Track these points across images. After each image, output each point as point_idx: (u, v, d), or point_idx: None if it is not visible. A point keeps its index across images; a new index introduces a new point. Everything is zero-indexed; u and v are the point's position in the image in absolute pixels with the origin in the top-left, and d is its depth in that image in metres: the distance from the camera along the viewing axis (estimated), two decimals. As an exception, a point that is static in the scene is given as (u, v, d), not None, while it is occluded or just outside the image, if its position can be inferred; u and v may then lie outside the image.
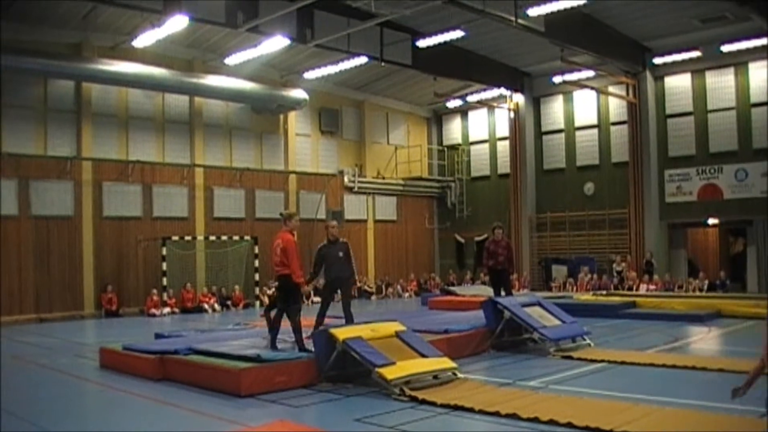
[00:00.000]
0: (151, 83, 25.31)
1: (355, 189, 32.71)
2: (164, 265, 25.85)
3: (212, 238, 27.45)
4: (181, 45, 26.26)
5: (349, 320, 12.94)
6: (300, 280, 11.61)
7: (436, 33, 24.05)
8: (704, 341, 15.73)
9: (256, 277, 27.82)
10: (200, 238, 27.35)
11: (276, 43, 22.68)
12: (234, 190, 28.70)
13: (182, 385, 11.05)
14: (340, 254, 13.20)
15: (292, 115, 30.71)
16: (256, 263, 27.74)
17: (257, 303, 27.09)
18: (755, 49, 25.63)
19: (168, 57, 26.02)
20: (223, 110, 28.74)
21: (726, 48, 25.99)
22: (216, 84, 26.59)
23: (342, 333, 10.84)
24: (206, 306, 25.79)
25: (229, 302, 26.63)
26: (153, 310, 24.79)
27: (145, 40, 22.35)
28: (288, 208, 28.57)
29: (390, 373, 10.04)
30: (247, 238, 28.08)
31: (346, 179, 32.39)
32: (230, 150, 28.98)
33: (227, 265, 27.50)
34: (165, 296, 25.59)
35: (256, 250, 27.72)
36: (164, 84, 25.61)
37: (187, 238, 26.96)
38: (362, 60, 25.62)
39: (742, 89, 26.85)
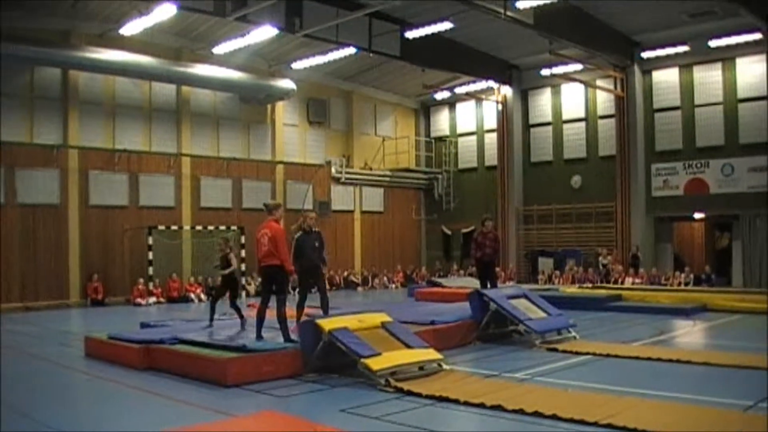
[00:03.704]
0: (139, 72, 25.20)
1: (343, 180, 32.70)
2: (150, 255, 25.80)
3: (199, 227, 27.42)
4: (169, 33, 26.13)
5: (326, 310, 12.92)
6: (291, 268, 11.63)
7: (424, 24, 24.04)
8: (689, 335, 15.81)
9: (243, 267, 27.75)
10: (187, 227, 27.32)
11: (264, 32, 22.63)
12: (221, 179, 28.65)
13: (168, 375, 11.03)
14: (316, 244, 13.17)
15: (280, 105, 30.68)
16: (243, 253, 27.68)
17: (243, 293, 27.03)
18: (743, 44, 25.81)
19: (156, 45, 25.83)
20: (210, 99, 28.67)
21: (714, 43, 26.10)
22: (204, 73, 26.49)
23: (328, 324, 10.84)
24: (192, 296, 25.79)
25: (214, 292, 26.53)
26: (139, 300, 24.75)
27: (132, 28, 22.25)
28: (275, 198, 28.52)
29: (375, 363, 10.05)
30: (233, 228, 28.01)
31: (333, 170, 32.37)
32: (217, 139, 28.92)
33: (213, 255, 27.32)
34: (151, 286, 25.55)
35: (243, 240, 27.66)
36: (152, 72, 25.51)
37: (174, 227, 26.92)
38: (351, 50, 25.57)
39: (730, 84, 26.96)
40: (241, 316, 14.10)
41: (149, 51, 25.31)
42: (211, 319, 13.58)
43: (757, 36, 25.04)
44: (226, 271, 14.43)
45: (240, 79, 27.69)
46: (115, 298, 25.24)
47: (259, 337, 11.63)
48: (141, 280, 25.31)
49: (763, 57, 26.17)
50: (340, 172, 32.58)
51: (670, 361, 11.61)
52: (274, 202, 12.70)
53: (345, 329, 10.74)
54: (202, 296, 25.96)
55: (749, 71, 26.57)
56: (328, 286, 16.75)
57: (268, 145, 30.58)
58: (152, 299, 25.15)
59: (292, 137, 31.51)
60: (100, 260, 25.26)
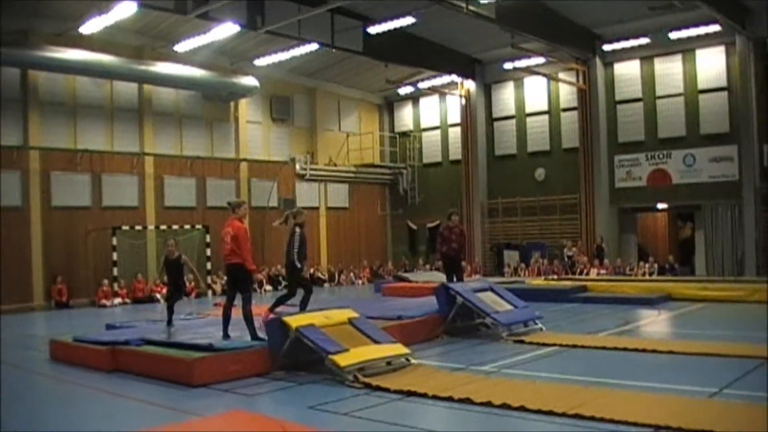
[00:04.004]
0: (100, 71, 25.00)
1: (307, 176, 32.63)
2: (115, 255, 25.60)
3: (163, 227, 27.20)
4: (129, 32, 25.88)
5: (304, 307, 12.97)
6: (253, 267, 11.61)
7: (387, 20, 24.04)
8: (654, 324, 15.97)
9: (208, 266, 27.64)
10: (151, 227, 27.12)
11: (226, 29, 22.54)
12: (185, 178, 28.49)
13: (134, 376, 10.94)
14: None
15: (243, 103, 30.55)
16: (208, 252, 27.58)
17: (209, 292, 26.90)
18: (703, 36, 26.12)
19: (117, 44, 25.61)
20: (173, 98, 28.48)
21: (674, 35, 26.36)
22: (166, 71, 26.35)
23: (295, 321, 10.81)
24: (158, 296, 25.55)
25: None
26: (104, 301, 24.54)
27: (92, 26, 22.01)
28: (239, 196, 28.43)
29: (343, 360, 10.04)
30: (198, 227, 27.89)
31: (297, 167, 32.30)
32: (180, 138, 28.74)
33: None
34: (116, 287, 25.35)
35: (208, 239, 27.56)
36: (113, 71, 25.32)
37: (138, 227, 26.72)
38: (313, 47, 25.48)
39: (690, 76, 27.25)
40: (170, 321, 13.81)
41: (110, 49, 25.10)
42: (170, 321, 13.44)
43: (716, 28, 25.33)
44: (192, 276, 14.15)
45: (202, 77, 27.56)
46: (80, 299, 24.99)
47: (225, 336, 11.57)
48: (106, 282, 25.09)
49: (722, 48, 26.51)
50: (305, 169, 32.51)
51: (636, 350, 11.71)
52: (237, 200, 12.69)
53: (312, 326, 10.72)
54: (168, 296, 25.77)
55: (709, 63, 26.86)
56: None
57: (231, 142, 30.44)
58: (117, 300, 24.96)
59: (255, 134, 31.40)
60: (63, 262, 24.99)
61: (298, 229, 13.10)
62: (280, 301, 13.22)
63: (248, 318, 11.40)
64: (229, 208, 12.01)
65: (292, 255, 12.97)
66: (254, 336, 11.29)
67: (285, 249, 13.30)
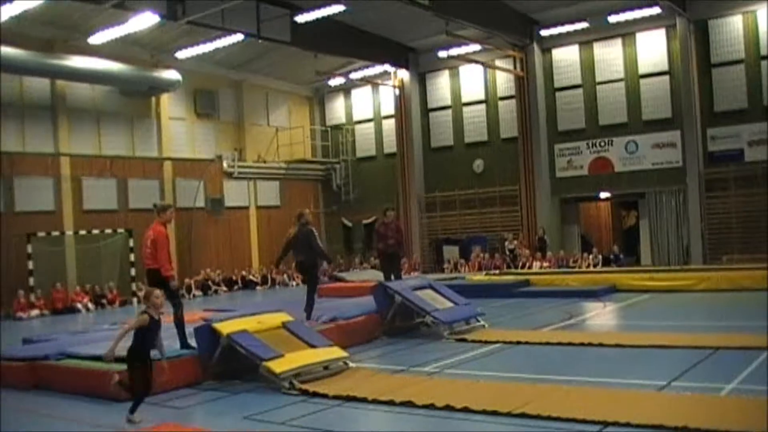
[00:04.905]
0: (6, 65, 24.29)
1: (236, 174, 32.39)
2: (30, 264, 25.02)
3: (83, 232, 26.72)
4: (39, 23, 25.26)
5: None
6: (168, 273, 11.19)
7: (315, 8, 23.96)
8: (600, 316, 16.21)
9: (132, 272, 27.26)
10: (69, 232, 26.61)
11: (145, 20, 22.24)
12: (105, 179, 28.00)
13: (56, 393, 10.77)
14: None
15: (165, 98, 30.18)
16: (132, 257, 27.19)
17: (134, 300, 26.57)
18: (642, 19, 26.51)
19: (24, 36, 24.95)
20: (89, 94, 27.97)
21: (613, 18, 26.74)
22: (80, 65, 25.84)
23: (226, 327, 10.77)
24: (79, 305, 25.14)
25: (104, 300, 26.04)
26: (20, 314, 24.02)
27: (-3, 18, 21.57)
28: (164, 196, 28.17)
29: (278, 366, 10.03)
30: (120, 230, 27.46)
31: (225, 164, 32.03)
32: (99, 136, 28.25)
33: (100, 261, 26.86)
34: (33, 297, 24.80)
35: (131, 243, 27.14)
36: (21, 66, 24.63)
37: (55, 233, 26.16)
38: (238, 37, 25.28)
39: (630, 60, 27.66)
40: None
41: (17, 42, 24.41)
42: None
43: (656, 10, 25.75)
44: None
45: (120, 71, 27.13)
46: (-7, 312, 24.47)
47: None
48: (21, 292, 24.48)
49: (662, 31, 26.95)
50: (233, 167, 32.26)
51: (582, 344, 11.91)
52: (164, 203, 12.49)
53: (244, 332, 10.69)
54: (90, 305, 25.38)
55: (649, 46, 27.28)
56: (225, 288, 16.73)
57: (153, 140, 30.03)
58: (35, 312, 24.43)
59: (179, 131, 31.05)
60: (-26, 272, 24.43)
61: (310, 227, 14.20)
62: (311, 305, 14.20)
63: (180, 324, 11.27)
64: (154, 210, 11.85)
65: (319, 251, 14.31)
66: (184, 344, 11.19)
67: (298, 249, 14.20)
